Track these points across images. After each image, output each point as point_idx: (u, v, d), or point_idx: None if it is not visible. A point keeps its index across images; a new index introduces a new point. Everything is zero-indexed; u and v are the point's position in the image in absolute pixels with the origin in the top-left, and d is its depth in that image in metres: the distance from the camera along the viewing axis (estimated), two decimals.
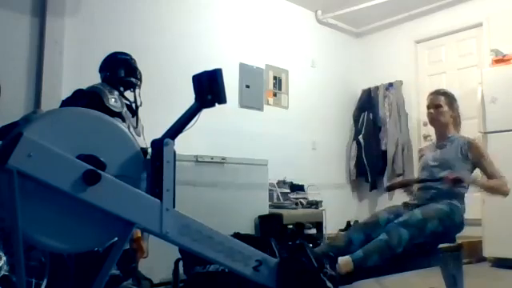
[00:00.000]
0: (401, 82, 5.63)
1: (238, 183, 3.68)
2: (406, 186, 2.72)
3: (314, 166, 5.22)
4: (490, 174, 2.52)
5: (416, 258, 2.27)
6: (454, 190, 2.44)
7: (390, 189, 2.88)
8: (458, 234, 2.49)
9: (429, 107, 2.71)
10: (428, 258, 2.32)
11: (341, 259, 2.05)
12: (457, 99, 2.75)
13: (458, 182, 2.37)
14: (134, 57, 2.93)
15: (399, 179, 2.88)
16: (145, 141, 2.66)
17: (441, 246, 2.41)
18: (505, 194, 2.46)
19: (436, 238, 2.33)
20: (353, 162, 5.73)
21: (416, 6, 5.37)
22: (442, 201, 2.42)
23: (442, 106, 2.65)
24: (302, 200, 4.51)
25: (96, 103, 2.54)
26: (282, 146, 4.86)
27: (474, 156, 2.56)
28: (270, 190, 4.18)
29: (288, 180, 4.73)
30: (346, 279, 1.99)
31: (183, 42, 4.33)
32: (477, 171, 2.65)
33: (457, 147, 2.60)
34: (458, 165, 2.55)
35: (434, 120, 2.70)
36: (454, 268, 2.30)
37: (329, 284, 1.71)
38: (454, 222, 2.40)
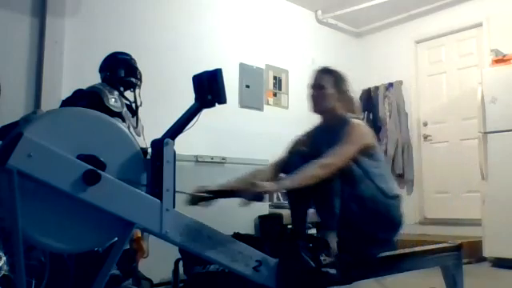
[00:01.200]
0: (401, 82, 5.63)
1: None
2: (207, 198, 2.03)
3: None
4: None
5: (416, 258, 2.27)
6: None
7: (193, 203, 1.98)
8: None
9: (310, 87, 2.35)
10: (428, 257, 2.32)
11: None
12: (347, 80, 2.34)
13: (256, 196, 1.83)
14: (134, 57, 2.93)
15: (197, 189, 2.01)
16: (145, 141, 2.66)
17: (441, 246, 2.40)
18: (318, 177, 1.88)
19: None
20: None
21: (416, 5, 5.37)
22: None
23: (326, 87, 2.26)
24: None
25: (96, 103, 2.54)
26: (282, 146, 4.85)
27: (343, 132, 2.05)
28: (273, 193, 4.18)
29: None
30: (347, 279, 1.97)
31: (183, 41, 4.33)
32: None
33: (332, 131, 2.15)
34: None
35: (315, 105, 2.33)
36: (454, 268, 2.30)
37: (331, 271, 1.70)
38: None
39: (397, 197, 2.12)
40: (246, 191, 1.81)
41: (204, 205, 1.98)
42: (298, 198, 2.12)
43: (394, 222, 2.08)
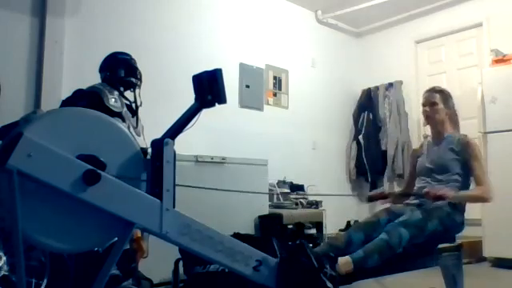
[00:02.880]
0: (401, 82, 5.63)
1: (238, 183, 3.68)
2: (386, 197, 2.65)
3: (313, 166, 5.22)
4: (476, 177, 2.49)
5: (416, 257, 2.27)
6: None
7: (371, 200, 2.82)
8: (457, 234, 2.49)
9: (424, 105, 2.67)
10: (428, 257, 2.32)
11: (341, 259, 2.05)
12: (452, 97, 2.70)
13: (439, 198, 2.30)
14: (134, 57, 2.93)
15: (380, 190, 2.80)
16: (145, 141, 2.66)
17: (441, 246, 2.40)
18: (486, 201, 2.49)
19: (436, 238, 2.33)
20: (353, 162, 5.73)
21: (416, 5, 5.37)
22: (442, 201, 2.41)
23: (438, 103, 2.60)
24: (301, 200, 4.51)
25: (96, 103, 2.54)
26: (282, 146, 4.87)
27: (465, 154, 2.51)
28: (270, 190, 4.18)
29: (288, 180, 4.73)
30: (346, 279, 1.99)
31: (183, 41, 4.33)
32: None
33: (449, 147, 2.56)
34: (453, 167, 2.52)
35: (429, 118, 2.66)
36: (454, 268, 2.30)
37: (329, 284, 1.71)
38: (454, 222, 2.40)
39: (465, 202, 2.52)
40: (431, 194, 2.30)
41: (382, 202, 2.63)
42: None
43: (461, 226, 2.47)
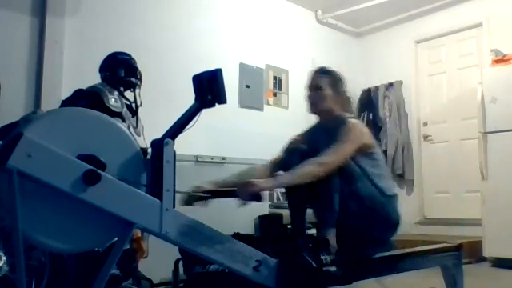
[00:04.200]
0: (401, 82, 5.63)
1: None
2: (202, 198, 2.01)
3: None
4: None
5: (416, 258, 2.27)
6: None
7: (187, 203, 1.97)
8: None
9: (308, 88, 2.34)
10: (428, 258, 2.32)
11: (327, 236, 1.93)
12: (344, 81, 2.30)
13: (253, 196, 1.84)
14: (134, 57, 2.93)
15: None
16: (145, 141, 2.66)
17: (441, 246, 2.40)
18: (315, 176, 1.88)
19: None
20: None
21: (416, 5, 5.37)
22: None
23: (324, 88, 2.25)
24: None
25: (96, 103, 2.54)
26: (282, 146, 4.86)
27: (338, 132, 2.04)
28: (269, 190, 4.18)
29: None
30: (346, 279, 1.97)
31: (183, 41, 4.33)
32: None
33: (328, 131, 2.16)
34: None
35: (313, 105, 2.33)
36: (454, 268, 2.30)
37: (332, 268, 1.71)
38: None
39: (394, 196, 2.12)
40: (243, 191, 1.80)
41: (200, 204, 1.97)
42: (296, 197, 2.11)
43: (391, 222, 2.08)
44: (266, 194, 3.90)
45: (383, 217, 2.05)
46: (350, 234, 2.00)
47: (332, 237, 1.91)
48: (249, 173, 2.21)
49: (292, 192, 2.11)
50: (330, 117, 2.21)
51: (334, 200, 1.95)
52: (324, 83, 2.25)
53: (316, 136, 2.25)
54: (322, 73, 2.31)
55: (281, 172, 2.02)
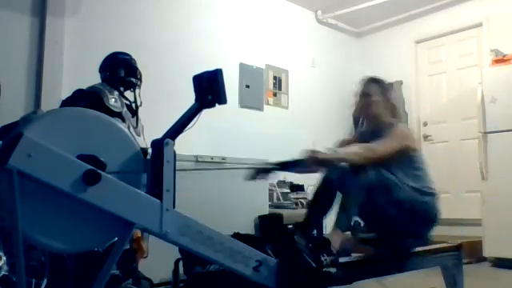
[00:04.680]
0: (401, 82, 5.62)
1: (237, 183, 3.68)
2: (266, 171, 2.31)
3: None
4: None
5: (416, 258, 2.27)
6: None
7: (252, 177, 2.30)
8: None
9: (356, 96, 2.48)
10: (428, 257, 2.32)
11: (329, 236, 1.98)
12: (391, 88, 2.48)
13: (315, 161, 1.97)
14: (134, 57, 2.93)
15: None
16: (145, 141, 2.66)
17: (441, 246, 2.41)
18: (361, 158, 2.02)
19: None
20: None
21: (416, 5, 5.37)
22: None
23: (372, 95, 2.37)
24: (301, 200, 4.51)
25: (96, 103, 2.54)
26: (282, 146, 4.86)
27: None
28: (269, 190, 4.18)
29: (288, 180, 4.73)
30: (347, 280, 1.98)
31: (183, 41, 4.33)
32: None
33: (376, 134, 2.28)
34: None
35: (362, 110, 2.47)
36: (454, 268, 2.30)
37: (332, 270, 1.71)
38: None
39: (433, 194, 2.24)
40: (312, 158, 1.97)
41: (263, 177, 2.29)
42: (321, 197, 2.24)
43: (429, 218, 2.20)
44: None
45: (422, 215, 2.17)
46: (391, 232, 2.16)
47: (336, 238, 1.96)
48: None
49: (320, 192, 2.27)
50: (377, 122, 2.37)
51: (351, 209, 2.05)
52: (373, 90, 2.40)
53: (365, 138, 2.36)
54: (372, 81, 2.46)
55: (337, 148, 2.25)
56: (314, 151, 1.99)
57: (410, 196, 2.12)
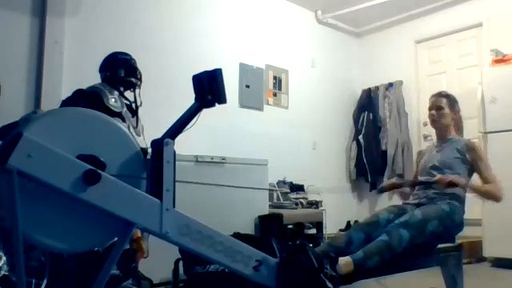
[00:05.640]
0: (401, 82, 5.63)
1: (238, 183, 3.68)
2: (398, 187, 2.72)
3: (313, 166, 5.22)
4: (485, 178, 2.54)
5: (416, 258, 2.27)
6: (450, 191, 2.45)
7: (383, 190, 2.82)
8: (457, 234, 2.50)
9: (430, 109, 2.74)
10: (428, 258, 2.32)
11: (341, 259, 2.05)
12: (458, 102, 2.76)
13: (451, 185, 2.37)
14: (134, 57, 2.93)
15: (392, 180, 2.87)
16: (145, 141, 2.66)
17: (441, 246, 2.40)
18: (498, 199, 2.50)
19: (436, 238, 2.34)
20: (353, 162, 5.73)
21: (416, 5, 5.37)
22: (442, 201, 2.43)
23: (444, 107, 2.67)
24: (301, 200, 4.51)
25: (96, 103, 2.54)
26: (282, 146, 4.86)
27: (471, 157, 2.58)
28: (269, 190, 4.18)
29: (288, 180, 4.73)
30: (346, 279, 1.99)
31: (183, 41, 4.33)
32: (474, 176, 2.65)
33: (455, 148, 2.62)
34: (457, 166, 2.57)
35: (435, 122, 2.72)
36: (454, 268, 2.30)
37: (329, 284, 1.71)
38: (454, 222, 2.41)
39: (463, 200, 2.54)
40: (443, 182, 2.37)
41: (393, 192, 2.84)
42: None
43: (461, 222, 2.48)
44: None
45: (457, 220, 2.45)
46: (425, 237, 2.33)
47: (347, 266, 2.06)
48: None
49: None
50: (446, 132, 2.71)
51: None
52: (444, 104, 2.69)
53: (443, 150, 2.69)
54: (443, 96, 2.74)
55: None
56: (447, 177, 2.43)
57: (456, 208, 2.46)
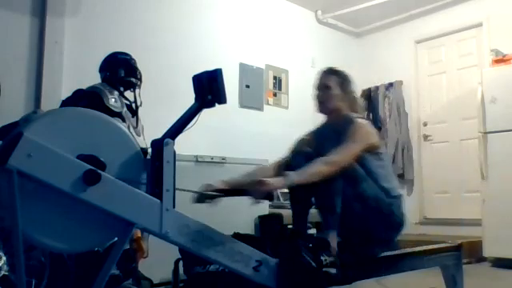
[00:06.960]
0: (401, 82, 5.63)
1: None
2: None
3: None
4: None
5: (416, 258, 2.27)
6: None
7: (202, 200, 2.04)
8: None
9: (317, 88, 2.30)
10: (428, 258, 2.32)
11: (328, 237, 1.92)
12: (352, 81, 2.31)
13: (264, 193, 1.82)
14: (134, 57, 2.93)
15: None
16: (145, 141, 2.66)
17: (441, 246, 2.40)
18: (320, 175, 1.89)
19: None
20: None
21: (416, 5, 5.37)
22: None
23: (332, 87, 2.23)
24: None
25: (96, 103, 2.54)
26: (282, 146, 4.84)
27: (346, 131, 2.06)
28: (269, 190, 4.17)
29: None
30: (346, 279, 1.98)
31: (183, 42, 4.33)
32: None
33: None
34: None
35: (320, 104, 2.30)
36: (454, 268, 2.30)
37: (332, 271, 1.71)
38: None
39: (399, 196, 2.13)
40: (255, 190, 1.78)
41: (210, 203, 2.00)
42: (299, 197, 2.12)
43: (396, 222, 2.09)
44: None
45: (388, 217, 2.05)
46: (355, 234, 2.02)
47: (333, 239, 1.91)
48: (258, 173, 2.25)
49: (295, 193, 2.12)
50: (337, 116, 2.22)
51: (335, 203, 1.95)
52: (332, 83, 2.24)
53: (324, 135, 2.26)
54: (331, 72, 2.29)
55: (289, 172, 1.95)
56: (260, 182, 1.78)
57: (375, 193, 2.01)
